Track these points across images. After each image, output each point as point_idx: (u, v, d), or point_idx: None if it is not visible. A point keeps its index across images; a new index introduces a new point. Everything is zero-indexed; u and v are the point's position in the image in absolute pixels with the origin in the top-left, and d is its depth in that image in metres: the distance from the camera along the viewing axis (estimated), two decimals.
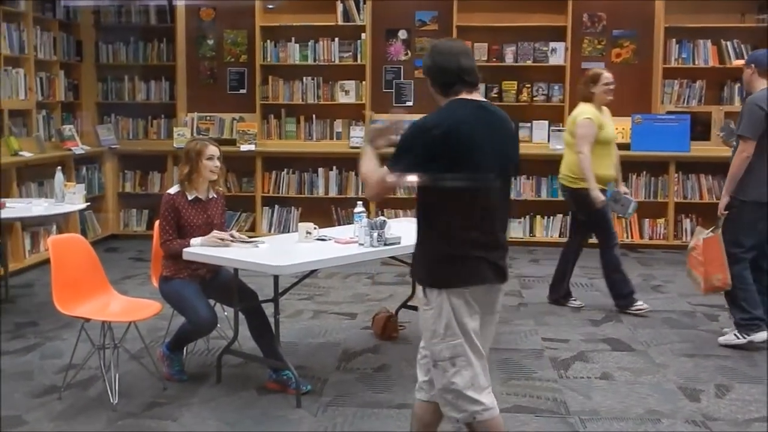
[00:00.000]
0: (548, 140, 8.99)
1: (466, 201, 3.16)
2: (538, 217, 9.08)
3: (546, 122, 9.07)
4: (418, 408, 3.45)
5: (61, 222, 7.10)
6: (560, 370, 5.02)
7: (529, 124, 9.15)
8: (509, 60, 9.06)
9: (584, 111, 6.16)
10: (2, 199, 6.23)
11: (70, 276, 4.54)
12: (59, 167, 6.73)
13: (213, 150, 4.73)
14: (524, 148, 8.62)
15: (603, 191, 6.12)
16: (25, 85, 8.11)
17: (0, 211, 5.97)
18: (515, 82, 9.07)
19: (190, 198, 4.73)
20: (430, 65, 3.29)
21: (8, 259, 6.96)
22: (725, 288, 5.44)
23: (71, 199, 6.31)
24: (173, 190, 4.75)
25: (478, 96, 3.28)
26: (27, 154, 7.72)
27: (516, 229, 9.08)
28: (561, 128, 8.92)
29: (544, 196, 8.99)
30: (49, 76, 8.68)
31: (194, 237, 4.64)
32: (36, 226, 7.81)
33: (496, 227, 3.25)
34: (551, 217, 9.03)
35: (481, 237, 3.20)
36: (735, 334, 5.42)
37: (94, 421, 4.19)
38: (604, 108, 6.26)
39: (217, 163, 4.74)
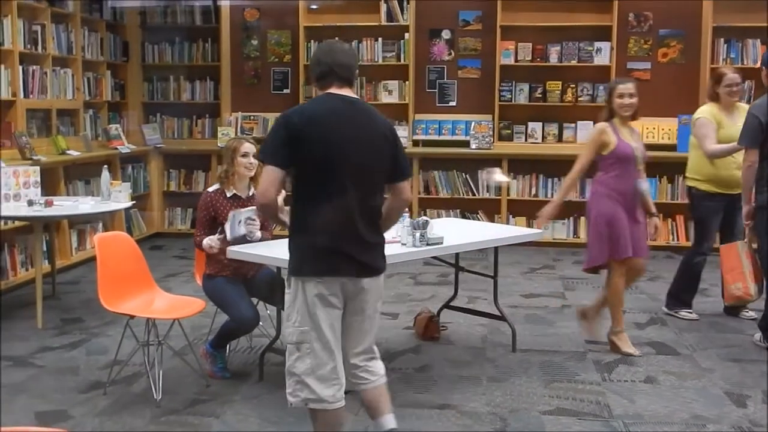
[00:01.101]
0: None
1: (318, 192, 3.28)
2: (582, 218, 8.98)
3: (590, 123, 8.96)
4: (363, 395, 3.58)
5: (107, 220, 7.20)
6: (604, 373, 4.96)
7: (573, 125, 9.08)
8: (554, 60, 9.00)
9: (701, 110, 6.04)
10: (50, 197, 6.32)
11: (116, 273, 4.60)
12: (105, 166, 6.82)
13: (248, 147, 4.77)
14: (568, 149, 8.78)
15: (722, 197, 5.93)
16: (72, 85, 8.24)
17: (48, 209, 6.06)
18: (560, 82, 9.01)
19: (228, 195, 4.78)
20: (312, 59, 3.50)
21: (55, 256, 7.06)
22: (748, 298, 5.44)
23: (117, 197, 6.39)
24: (213, 188, 4.81)
25: (350, 93, 3.38)
26: (74, 153, 7.84)
27: (559, 230, 9.02)
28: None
29: (588, 197, 8.88)
30: (96, 76, 8.81)
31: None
32: (83, 223, 7.93)
33: (357, 222, 3.31)
34: None
35: (337, 230, 3.29)
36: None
37: (137, 417, 4.24)
38: (740, 106, 6.06)
39: (252, 160, 4.76)
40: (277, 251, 4.51)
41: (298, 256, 3.36)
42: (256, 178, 4.83)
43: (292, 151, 3.24)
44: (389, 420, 3.55)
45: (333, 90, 3.37)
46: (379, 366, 3.58)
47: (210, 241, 4.66)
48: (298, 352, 3.36)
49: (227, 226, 4.61)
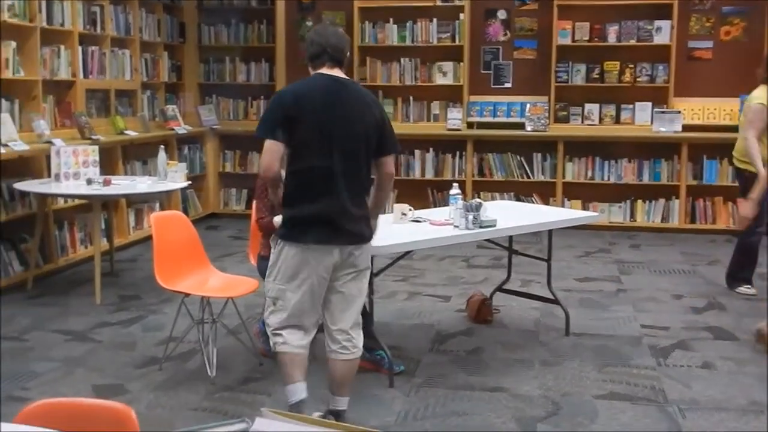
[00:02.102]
0: (651, 122, 8.76)
1: (309, 166, 3.53)
2: (639, 201, 8.87)
3: (649, 104, 8.84)
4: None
5: (164, 200, 7.30)
6: (659, 357, 4.90)
7: (631, 106, 8.95)
8: (612, 39, 8.86)
9: (759, 95, 5.92)
10: (108, 177, 6.44)
11: (172, 252, 4.66)
12: (162, 146, 6.91)
13: None
14: (625, 131, 8.66)
15: None
16: (130, 66, 8.35)
17: (106, 188, 6.17)
18: (618, 63, 8.88)
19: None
20: (306, 39, 3.76)
21: (113, 234, 7.20)
22: None
23: (173, 177, 6.47)
24: None
25: (339, 73, 3.61)
26: (132, 133, 7.97)
27: (616, 214, 8.91)
28: (665, 110, 8.69)
29: (646, 179, 8.78)
30: (154, 57, 8.92)
31: None
32: (140, 203, 8.06)
33: (343, 195, 3.54)
34: (653, 202, 8.81)
35: (325, 202, 3.54)
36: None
37: (192, 393, 4.31)
38: None
39: None
40: None
41: (288, 223, 3.62)
42: None
43: (286, 128, 3.48)
44: (343, 402, 3.80)
45: (324, 70, 3.62)
46: (359, 340, 3.77)
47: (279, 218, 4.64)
48: (273, 307, 3.68)
49: None
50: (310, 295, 3.61)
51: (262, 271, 4.78)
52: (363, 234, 3.68)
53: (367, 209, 3.69)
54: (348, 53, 3.68)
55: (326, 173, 3.52)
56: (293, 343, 3.67)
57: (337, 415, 3.77)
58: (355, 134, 3.56)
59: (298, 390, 3.69)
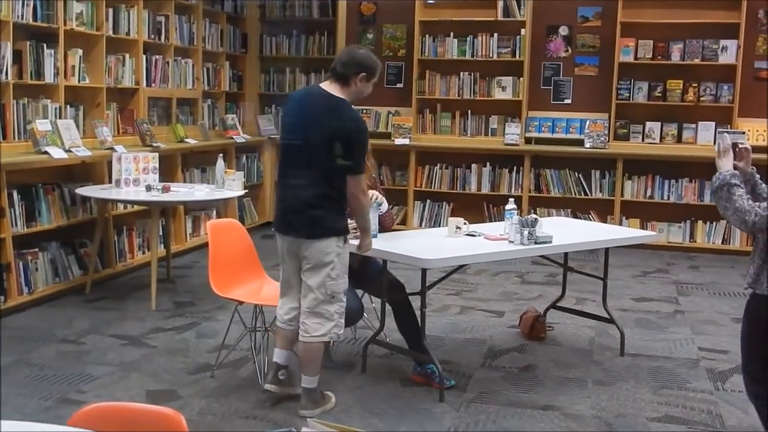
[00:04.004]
0: (714, 142, 8.58)
1: (280, 165, 4.14)
2: (700, 222, 8.71)
3: (713, 124, 8.68)
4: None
5: (221, 207, 7.37)
6: (717, 382, 4.79)
7: (694, 125, 8.80)
8: (675, 58, 8.73)
9: None
10: (167, 183, 6.52)
11: (227, 260, 4.70)
12: (221, 154, 7.00)
13: None
14: (687, 150, 8.52)
15: None
16: (192, 75, 8.48)
17: (165, 195, 6.25)
18: (681, 81, 8.75)
19: None
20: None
21: (171, 240, 7.29)
22: None
23: (231, 185, 6.54)
24: None
25: (328, 85, 3.99)
26: (192, 141, 8.08)
27: (675, 234, 8.76)
28: (729, 130, 8.50)
29: (707, 200, 8.61)
30: (216, 66, 9.05)
31: None
32: (197, 210, 8.16)
33: (290, 190, 4.02)
34: (714, 223, 8.64)
35: (279, 193, 4.17)
36: None
37: (243, 401, 4.33)
38: None
39: None
40: (383, 244, 4.53)
41: None
42: (369, 171, 4.82)
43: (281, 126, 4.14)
44: (305, 380, 4.16)
45: (324, 83, 4.05)
46: (310, 328, 4.06)
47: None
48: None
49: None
50: (282, 273, 4.21)
51: None
52: (306, 230, 3.99)
53: (321, 208, 3.96)
54: (357, 71, 3.95)
55: (287, 173, 4.05)
56: (279, 317, 4.25)
57: (304, 391, 4.15)
58: (309, 139, 3.92)
59: (277, 354, 4.26)
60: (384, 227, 4.76)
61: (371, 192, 4.69)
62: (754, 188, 3.56)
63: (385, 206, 4.71)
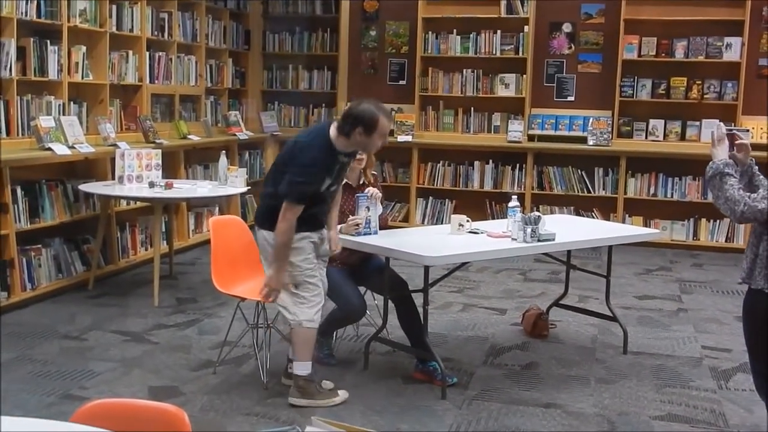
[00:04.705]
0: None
1: None
2: (703, 220, 8.69)
3: (716, 121, 8.62)
4: None
5: (223, 204, 7.38)
6: (720, 380, 4.79)
7: (697, 123, 8.78)
8: (679, 55, 8.71)
9: None
10: (170, 180, 6.52)
11: (229, 256, 4.70)
12: (224, 151, 7.00)
13: None
14: (691, 148, 8.49)
15: None
16: (195, 71, 8.48)
17: (168, 191, 6.25)
18: (685, 79, 8.72)
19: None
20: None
21: (173, 237, 7.29)
22: None
23: (233, 182, 6.54)
24: None
25: (333, 129, 4.14)
26: (195, 138, 8.07)
27: (678, 231, 8.75)
28: (733, 128, 8.48)
29: (710, 198, 8.56)
30: (219, 63, 9.04)
31: (344, 223, 4.69)
32: (200, 207, 8.16)
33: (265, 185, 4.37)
34: (717, 221, 8.63)
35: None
36: None
37: (245, 398, 4.33)
38: None
39: (363, 154, 4.75)
40: (386, 241, 4.53)
41: None
42: (366, 169, 4.85)
43: None
44: (294, 366, 4.28)
45: (333, 125, 4.18)
46: (287, 315, 4.22)
47: (338, 229, 4.66)
48: None
49: (359, 211, 4.63)
50: None
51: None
52: (257, 220, 4.37)
53: (262, 213, 4.29)
54: (354, 126, 4.04)
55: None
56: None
57: (293, 379, 4.27)
58: (282, 152, 4.34)
59: (291, 349, 4.41)
60: (380, 226, 4.77)
61: (369, 189, 4.69)
62: (751, 179, 3.56)
63: (379, 208, 4.72)
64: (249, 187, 6.92)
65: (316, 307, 4.21)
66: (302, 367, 4.23)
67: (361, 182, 4.88)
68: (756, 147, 8.64)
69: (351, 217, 4.63)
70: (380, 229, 4.72)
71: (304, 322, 4.18)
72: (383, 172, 9.37)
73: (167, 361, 4.89)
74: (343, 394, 4.29)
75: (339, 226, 4.62)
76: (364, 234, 4.59)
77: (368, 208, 4.62)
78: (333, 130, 4.12)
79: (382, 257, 4.65)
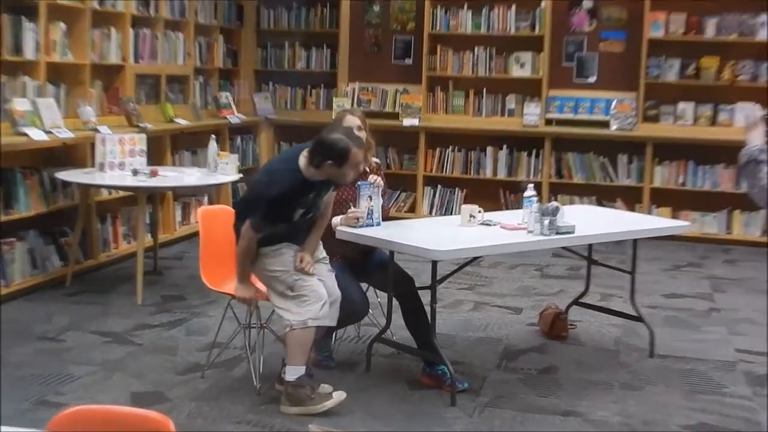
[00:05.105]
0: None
1: None
2: (737, 212, 8.66)
3: (751, 105, 8.60)
4: None
5: (213, 193, 7.35)
6: (756, 386, 4.76)
7: (730, 107, 8.74)
8: (710, 33, 8.67)
9: None
10: (155, 167, 6.50)
11: (219, 250, 4.67)
12: (213, 136, 6.97)
13: (351, 120, 4.74)
14: (723, 133, 8.45)
15: None
16: (183, 50, 8.45)
17: (153, 180, 6.23)
18: (717, 59, 8.67)
19: None
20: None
21: (159, 229, 7.27)
22: None
23: (224, 169, 6.52)
24: None
25: (304, 156, 4.23)
26: (182, 122, 8.06)
27: (709, 224, 8.72)
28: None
29: (744, 187, 8.54)
30: (208, 41, 9.02)
31: (343, 213, 4.66)
32: (188, 196, 8.17)
33: None
34: (752, 213, 8.59)
35: None
36: None
37: (236, 404, 4.31)
38: None
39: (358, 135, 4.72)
40: (389, 233, 4.50)
41: None
42: (367, 153, 4.80)
43: None
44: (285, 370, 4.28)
45: (304, 153, 4.25)
46: (284, 314, 4.24)
47: (338, 221, 4.64)
48: None
49: (361, 201, 4.60)
50: None
51: None
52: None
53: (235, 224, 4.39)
54: (323, 160, 4.13)
55: None
56: None
57: (284, 385, 4.28)
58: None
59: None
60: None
61: (372, 177, 4.66)
62: None
63: (380, 201, 4.68)
64: (241, 175, 6.90)
65: (318, 303, 4.19)
66: (292, 372, 4.23)
67: (363, 169, 4.85)
68: None
69: (351, 209, 4.60)
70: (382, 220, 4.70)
71: (309, 321, 4.17)
72: (387, 159, 9.35)
73: (151, 364, 4.87)
74: (337, 396, 4.26)
75: (339, 217, 4.60)
76: (366, 225, 4.56)
77: (370, 198, 4.59)
78: (303, 160, 4.19)
79: (386, 251, 4.62)
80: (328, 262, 4.47)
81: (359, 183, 4.61)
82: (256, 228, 4.18)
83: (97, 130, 6.61)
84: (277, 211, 4.18)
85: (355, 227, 4.55)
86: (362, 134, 4.70)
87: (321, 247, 4.47)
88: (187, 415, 4.17)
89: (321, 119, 9.36)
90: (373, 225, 4.60)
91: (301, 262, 4.25)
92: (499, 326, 5.77)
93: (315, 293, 4.21)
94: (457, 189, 9.34)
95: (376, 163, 4.96)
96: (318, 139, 4.21)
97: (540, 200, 5.02)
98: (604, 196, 8.94)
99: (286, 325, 4.20)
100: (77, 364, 4.80)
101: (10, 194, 6.04)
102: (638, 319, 5.37)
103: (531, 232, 4.61)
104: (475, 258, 4.98)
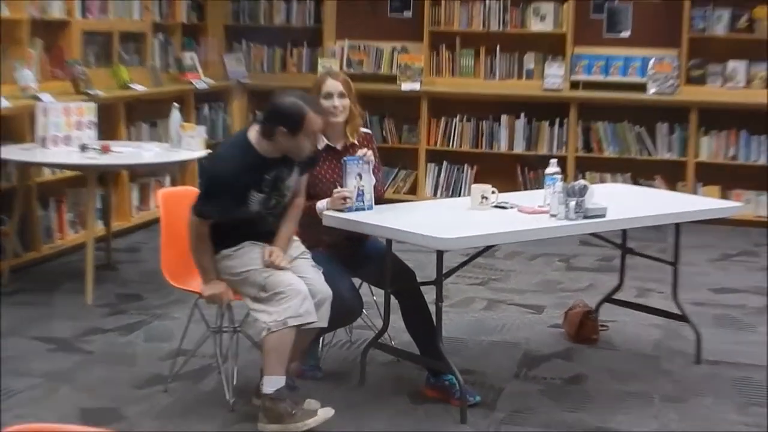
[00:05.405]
0: None
1: None
2: None
3: None
4: None
5: (176, 172, 7.34)
6: None
7: None
8: None
9: None
10: (107, 142, 6.47)
11: (183, 240, 4.62)
12: (176, 104, 6.93)
13: (331, 85, 4.70)
14: None
15: None
16: (140, 3, 8.41)
17: (104, 157, 6.21)
18: None
19: (320, 147, 4.73)
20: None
21: (112, 216, 7.25)
22: None
23: (189, 144, 6.49)
24: None
25: (254, 132, 4.30)
26: (139, 88, 8.04)
27: (765, 206, 8.68)
28: None
29: None
30: None
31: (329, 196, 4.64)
32: (146, 176, 8.16)
33: None
34: None
35: None
36: None
37: (206, 421, 4.32)
38: None
39: (337, 102, 4.70)
40: (386, 219, 4.49)
41: None
42: (353, 122, 4.79)
43: None
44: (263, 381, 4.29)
45: (252, 129, 4.34)
46: (263, 320, 4.20)
47: (323, 204, 4.62)
48: None
49: (348, 180, 4.57)
50: None
51: None
52: None
53: None
54: (275, 125, 4.18)
55: None
56: None
57: (261, 398, 4.28)
58: None
59: None
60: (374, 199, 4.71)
61: (361, 150, 4.64)
62: None
63: (373, 180, 4.65)
64: (209, 150, 6.87)
65: (296, 298, 4.17)
66: (270, 383, 4.22)
67: (351, 142, 4.82)
68: None
69: (337, 189, 4.57)
70: (376, 201, 4.67)
71: (288, 319, 4.15)
72: (383, 131, 9.34)
73: (105, 375, 4.87)
74: (324, 413, 4.25)
75: (324, 201, 4.57)
76: (356, 209, 4.54)
77: (360, 176, 4.56)
78: (254, 133, 4.26)
79: (382, 239, 4.61)
80: (310, 257, 4.47)
81: (345, 159, 4.58)
82: (199, 213, 4.22)
83: (37, 98, 6.59)
84: (226, 192, 4.19)
85: (343, 210, 4.52)
86: (344, 101, 4.68)
87: (298, 243, 4.49)
88: None
89: (304, 83, 9.35)
90: (364, 208, 4.57)
91: (270, 256, 4.26)
92: (518, 328, 5.78)
93: (292, 288, 4.19)
94: (466, 166, 9.35)
95: (366, 134, 4.92)
96: (269, 105, 4.29)
97: (565, 178, 5.02)
98: (641, 172, 8.96)
99: (262, 328, 4.19)
100: (17, 376, 4.79)
101: None
102: (682, 318, 5.37)
103: (554, 216, 4.60)
104: (488, 247, 4.99)
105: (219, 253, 4.33)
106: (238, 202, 4.21)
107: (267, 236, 4.36)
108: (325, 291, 4.34)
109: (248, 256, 4.28)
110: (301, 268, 4.35)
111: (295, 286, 4.21)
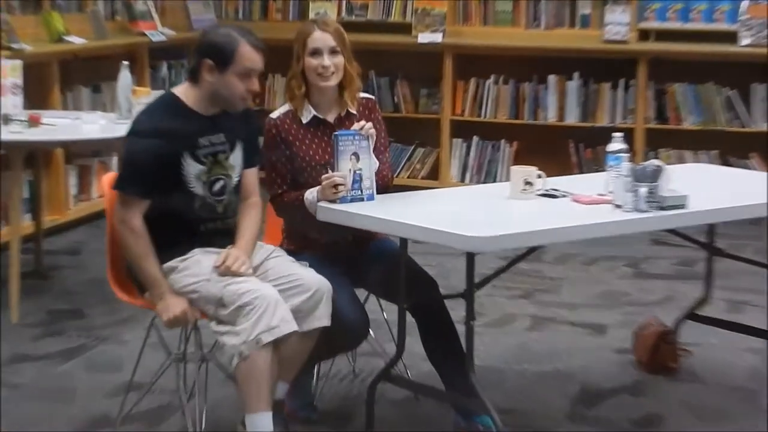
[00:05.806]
0: None
1: None
2: None
3: None
4: None
5: None
6: None
7: None
8: None
9: None
10: (37, 112, 6.47)
11: None
12: (126, 63, 6.92)
13: (319, 39, 4.66)
14: None
15: None
16: None
17: (33, 131, 6.21)
18: None
19: (305, 121, 4.72)
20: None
21: (43, 208, 7.26)
22: None
23: None
24: (280, 111, 4.76)
25: (181, 88, 4.55)
26: (77, 40, 8.06)
27: None
28: None
29: None
30: None
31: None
32: (87, 157, 8.18)
33: None
34: None
35: None
36: None
37: None
38: None
39: (327, 61, 4.67)
40: (399, 211, 4.48)
41: None
42: (349, 86, 4.78)
43: None
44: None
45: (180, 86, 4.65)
46: (229, 343, 4.23)
47: (313, 194, 4.61)
48: None
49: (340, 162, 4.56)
50: None
51: None
52: None
53: None
54: (201, 59, 4.36)
55: None
56: None
57: None
58: None
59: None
60: (378, 186, 4.69)
61: (359, 123, 4.61)
62: None
63: (374, 162, 4.63)
64: None
65: (265, 308, 4.17)
66: (253, 423, 4.21)
67: (345, 112, 4.80)
68: None
69: (327, 174, 4.54)
70: (382, 190, 4.65)
71: (262, 336, 4.15)
72: (394, 97, 9.36)
73: (36, 415, 4.89)
74: None
75: (313, 190, 4.55)
76: (352, 200, 4.52)
77: (356, 156, 4.54)
78: (182, 87, 4.50)
79: (394, 239, 4.60)
80: (284, 254, 4.52)
81: (336, 133, 4.55)
82: (122, 188, 4.29)
83: None
84: (152, 156, 4.25)
85: (336, 201, 4.50)
86: (337, 60, 4.65)
87: (265, 246, 4.61)
88: None
89: (290, 36, 9.35)
90: (362, 198, 4.55)
91: (226, 260, 4.29)
92: (572, 354, 5.80)
93: (257, 296, 4.19)
94: (503, 142, 9.40)
95: (367, 99, 4.89)
96: (197, 42, 4.53)
97: (632, 158, 5.00)
98: (732, 149, 8.97)
99: (232, 354, 4.19)
100: None
101: None
102: None
103: (619, 206, 4.58)
104: (533, 248, 5.00)
105: (162, 266, 4.37)
106: (170, 170, 4.26)
107: (221, 241, 4.41)
108: (319, 281, 4.36)
109: (198, 266, 4.32)
110: (277, 269, 4.39)
111: (262, 291, 4.21)
